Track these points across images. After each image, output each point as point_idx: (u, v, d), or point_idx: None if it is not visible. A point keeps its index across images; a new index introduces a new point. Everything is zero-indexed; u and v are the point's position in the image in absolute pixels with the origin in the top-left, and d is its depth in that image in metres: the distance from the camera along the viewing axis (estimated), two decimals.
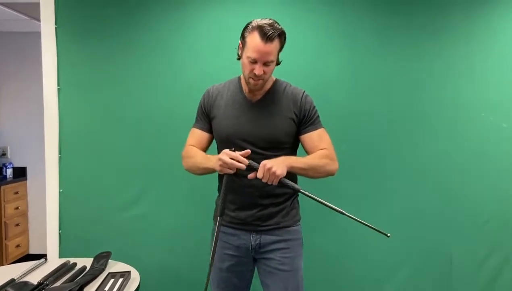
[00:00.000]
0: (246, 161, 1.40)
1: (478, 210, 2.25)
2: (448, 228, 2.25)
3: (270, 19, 1.48)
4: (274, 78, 1.64)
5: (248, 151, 1.43)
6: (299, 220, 1.66)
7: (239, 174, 1.46)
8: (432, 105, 2.24)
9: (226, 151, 1.42)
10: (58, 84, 2.23)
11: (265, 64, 1.47)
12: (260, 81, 1.51)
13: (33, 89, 4.00)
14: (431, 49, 2.23)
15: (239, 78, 1.64)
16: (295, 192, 1.61)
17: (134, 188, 2.27)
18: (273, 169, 1.36)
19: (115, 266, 1.86)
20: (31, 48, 4.00)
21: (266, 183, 1.38)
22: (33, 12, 3.36)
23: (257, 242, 1.58)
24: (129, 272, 1.76)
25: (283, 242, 1.58)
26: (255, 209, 1.57)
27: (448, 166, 2.24)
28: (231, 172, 1.42)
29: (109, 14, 2.24)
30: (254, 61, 1.46)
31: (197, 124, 1.69)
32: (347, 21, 2.23)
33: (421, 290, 2.26)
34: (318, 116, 1.62)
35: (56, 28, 2.22)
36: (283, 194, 1.58)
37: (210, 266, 1.41)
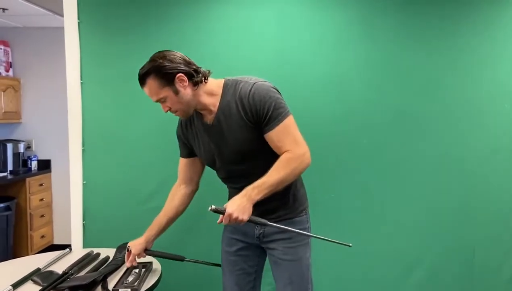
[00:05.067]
0: (134, 262, 1.68)
1: (501, 203, 2.20)
2: (471, 221, 2.21)
3: (153, 55, 1.48)
4: (222, 84, 1.50)
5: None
6: (303, 210, 1.63)
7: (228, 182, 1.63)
8: (454, 97, 2.19)
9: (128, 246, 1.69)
10: (81, 79, 2.26)
11: (160, 101, 1.48)
12: (178, 112, 1.52)
13: (56, 84, 4.09)
14: (451, 40, 2.18)
15: None
16: (294, 187, 1.59)
17: (156, 180, 2.28)
18: (239, 218, 1.37)
19: None
20: (55, 43, 4.09)
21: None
22: (56, 7, 3.42)
23: (261, 231, 1.60)
24: (151, 262, 1.80)
25: (286, 232, 1.56)
26: (255, 206, 1.45)
27: (471, 157, 2.19)
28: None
29: (131, 9, 2.25)
30: None
31: (180, 153, 1.73)
32: (364, 13, 2.19)
33: (442, 284, 2.23)
34: (275, 108, 1.42)
35: (78, 23, 2.25)
36: (281, 190, 1.48)
37: None
